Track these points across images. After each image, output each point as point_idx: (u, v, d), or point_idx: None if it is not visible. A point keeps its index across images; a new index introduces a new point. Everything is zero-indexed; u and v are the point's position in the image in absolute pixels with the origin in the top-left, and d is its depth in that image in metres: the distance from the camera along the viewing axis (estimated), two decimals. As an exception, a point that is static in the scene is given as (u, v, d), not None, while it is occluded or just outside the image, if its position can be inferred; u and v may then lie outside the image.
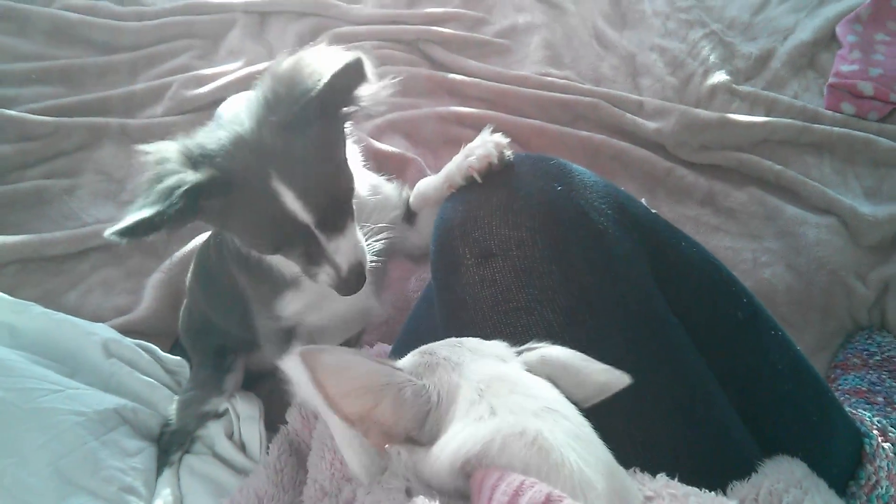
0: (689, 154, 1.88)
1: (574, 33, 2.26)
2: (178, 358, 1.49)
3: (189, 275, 1.41)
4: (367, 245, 1.05)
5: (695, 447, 0.82)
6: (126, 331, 1.49)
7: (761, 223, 1.73)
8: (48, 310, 1.39)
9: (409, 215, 1.27)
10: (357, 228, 1.03)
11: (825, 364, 1.52)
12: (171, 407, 1.37)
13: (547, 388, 0.61)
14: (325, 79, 0.87)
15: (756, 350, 0.96)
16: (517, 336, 0.73)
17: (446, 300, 0.95)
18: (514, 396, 0.58)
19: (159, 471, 1.29)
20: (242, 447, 1.33)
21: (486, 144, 0.99)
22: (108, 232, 0.83)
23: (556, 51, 2.20)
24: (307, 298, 1.13)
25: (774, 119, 1.89)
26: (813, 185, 1.75)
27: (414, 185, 1.24)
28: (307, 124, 0.90)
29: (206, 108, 2.02)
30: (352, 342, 1.53)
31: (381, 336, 1.47)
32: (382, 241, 1.09)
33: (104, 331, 1.42)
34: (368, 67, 0.90)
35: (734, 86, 2.02)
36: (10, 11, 2.23)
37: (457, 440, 0.56)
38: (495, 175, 0.97)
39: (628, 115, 1.96)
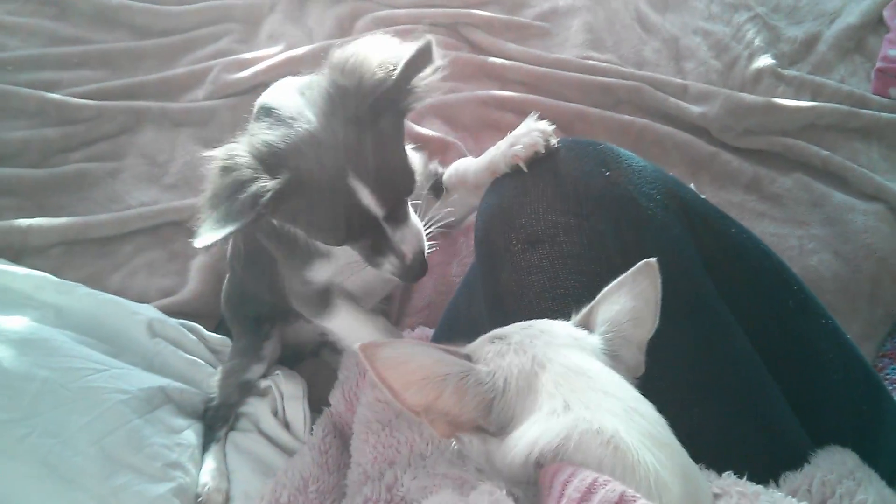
0: (734, 139, 1.85)
1: (616, 16, 2.23)
2: (223, 337, 1.50)
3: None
4: (426, 232, 1.06)
5: (745, 436, 0.81)
6: (170, 312, 1.50)
7: (808, 209, 1.71)
8: (94, 290, 1.41)
9: (438, 191, 1.26)
10: (415, 215, 1.04)
11: (872, 353, 1.50)
12: (212, 380, 1.38)
13: (624, 385, 0.61)
14: (400, 69, 0.86)
15: (806, 339, 0.95)
16: None
17: (492, 287, 0.94)
18: (591, 393, 0.57)
19: (205, 447, 1.30)
20: (286, 426, 1.34)
21: (532, 133, 0.97)
22: (199, 243, 0.85)
23: (597, 34, 2.17)
24: (336, 266, 1.15)
25: (821, 104, 1.86)
26: (861, 171, 1.72)
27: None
28: (378, 117, 0.90)
29: (247, 92, 2.02)
30: (390, 319, 1.53)
31: (424, 319, 1.47)
32: (437, 228, 1.10)
33: (149, 311, 1.44)
34: (437, 52, 0.90)
35: (779, 70, 1.98)
36: (52, -5, 2.24)
37: (531, 433, 0.55)
38: (541, 161, 0.96)
39: (671, 99, 1.93)
